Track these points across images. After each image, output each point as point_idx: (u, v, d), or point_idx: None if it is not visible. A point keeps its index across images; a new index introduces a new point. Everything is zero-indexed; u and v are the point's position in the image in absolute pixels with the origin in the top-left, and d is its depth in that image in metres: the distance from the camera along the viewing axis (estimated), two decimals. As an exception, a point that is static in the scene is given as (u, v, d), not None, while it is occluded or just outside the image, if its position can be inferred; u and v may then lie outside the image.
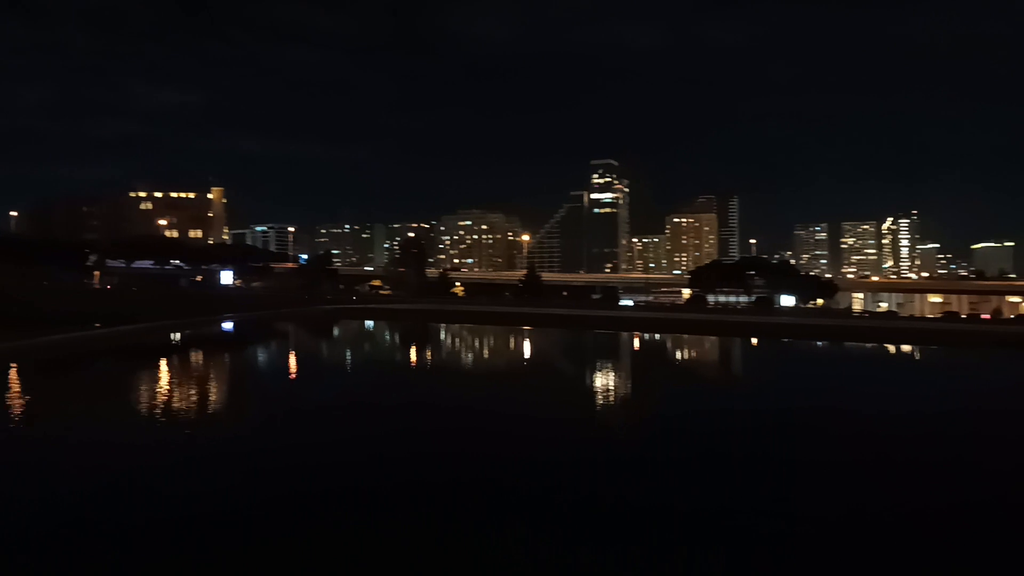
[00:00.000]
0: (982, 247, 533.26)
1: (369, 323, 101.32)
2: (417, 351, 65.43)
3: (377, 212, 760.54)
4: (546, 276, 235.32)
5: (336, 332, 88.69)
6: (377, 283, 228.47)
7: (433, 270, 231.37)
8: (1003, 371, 55.58)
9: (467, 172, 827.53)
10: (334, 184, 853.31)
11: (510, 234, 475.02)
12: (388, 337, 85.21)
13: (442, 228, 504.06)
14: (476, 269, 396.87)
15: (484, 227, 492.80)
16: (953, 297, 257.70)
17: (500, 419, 28.13)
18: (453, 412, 29.53)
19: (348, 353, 65.69)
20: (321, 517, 15.34)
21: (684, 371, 53.39)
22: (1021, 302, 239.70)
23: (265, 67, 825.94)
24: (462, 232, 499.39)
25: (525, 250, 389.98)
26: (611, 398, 35.72)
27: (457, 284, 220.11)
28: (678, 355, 69.74)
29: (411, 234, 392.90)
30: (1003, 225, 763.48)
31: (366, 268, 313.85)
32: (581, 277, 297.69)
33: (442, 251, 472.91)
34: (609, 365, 54.23)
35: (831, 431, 26.02)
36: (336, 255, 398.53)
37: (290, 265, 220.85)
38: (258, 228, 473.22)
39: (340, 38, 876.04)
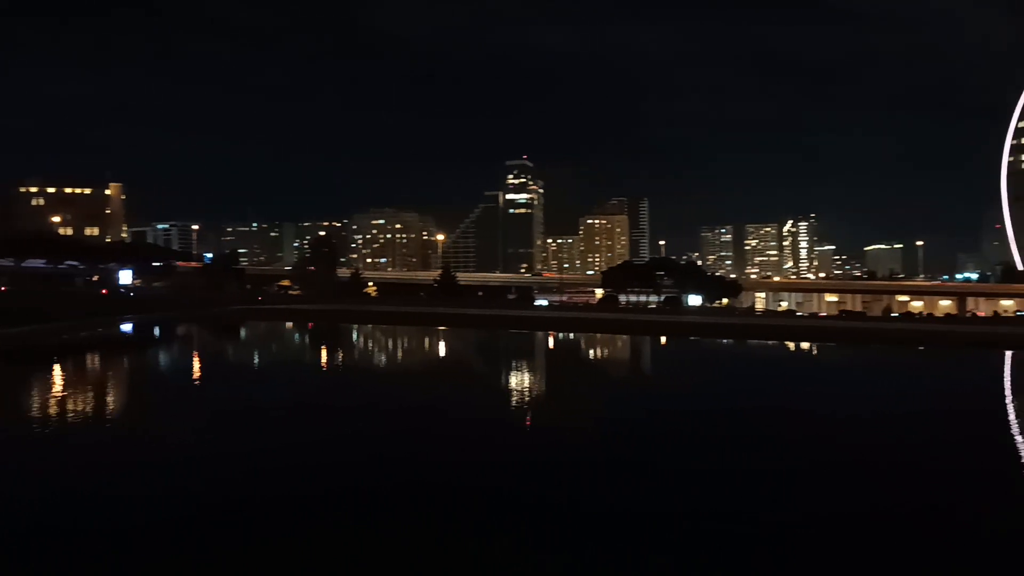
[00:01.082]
0: (874, 249, 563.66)
1: (275, 325, 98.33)
2: (323, 353, 63.70)
3: (287, 211, 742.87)
4: (462, 276, 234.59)
5: (237, 334, 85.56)
6: (286, 283, 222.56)
7: (345, 270, 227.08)
8: (896, 367, 58.50)
9: (382, 174, 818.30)
10: (241, 182, 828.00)
11: (425, 234, 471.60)
12: (293, 339, 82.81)
13: (354, 227, 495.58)
14: (390, 269, 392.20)
15: (398, 226, 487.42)
16: (848, 296, 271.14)
17: (410, 420, 27.51)
18: (356, 414, 28.72)
19: (248, 356, 63.22)
20: (191, 532, 14.44)
21: (596, 370, 53.89)
22: (909, 300, 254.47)
23: (170, 58, 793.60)
24: (375, 231, 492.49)
25: (440, 250, 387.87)
26: (522, 398, 35.56)
27: (370, 284, 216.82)
28: (590, 354, 70.45)
29: (322, 233, 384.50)
30: (893, 228, 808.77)
31: (276, 268, 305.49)
32: (496, 277, 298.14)
33: (354, 251, 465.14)
34: (523, 364, 54.20)
35: (728, 430, 26.54)
36: (243, 254, 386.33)
37: (194, 264, 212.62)
38: (160, 226, 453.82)
39: (245, 29, 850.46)
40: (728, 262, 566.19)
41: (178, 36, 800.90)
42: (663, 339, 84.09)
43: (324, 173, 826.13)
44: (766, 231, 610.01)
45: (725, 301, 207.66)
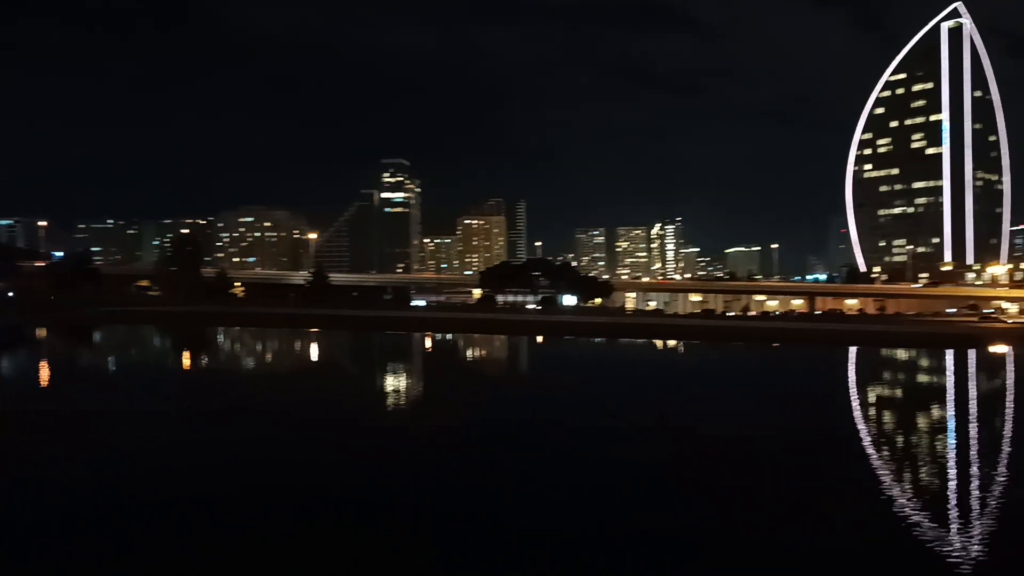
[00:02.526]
0: (734, 251, 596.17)
1: (130, 328, 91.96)
2: (178, 356, 59.86)
3: (147, 208, 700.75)
4: (335, 276, 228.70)
5: (86, 337, 79.34)
6: (146, 284, 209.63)
7: (210, 270, 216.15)
8: (753, 362, 61.55)
9: (251, 172, 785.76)
10: (95, 178, 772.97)
11: (296, 233, 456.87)
12: (147, 342, 77.61)
13: (220, 226, 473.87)
14: (259, 269, 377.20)
15: (267, 225, 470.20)
16: (710, 296, 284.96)
17: (262, 425, 25.95)
18: (206, 420, 26.86)
19: (95, 361, 58.32)
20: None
21: (468, 371, 53.46)
22: (765, 300, 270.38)
23: (14, 40, 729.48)
24: (243, 230, 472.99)
25: (312, 249, 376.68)
26: (386, 400, 34.54)
27: (237, 284, 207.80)
28: (465, 355, 70.00)
29: (185, 231, 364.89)
30: (752, 231, 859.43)
31: (135, 268, 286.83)
32: (372, 277, 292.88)
33: (221, 250, 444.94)
34: (393, 366, 52.96)
35: (598, 428, 26.70)
36: (97, 253, 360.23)
37: (41, 263, 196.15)
38: (2, 222, 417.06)
39: (98, 13, 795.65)
40: (601, 263, 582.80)
41: (26, 20, 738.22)
42: (539, 338, 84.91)
43: (188, 170, 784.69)
44: (636, 234, 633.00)
45: (598, 301, 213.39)
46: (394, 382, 41.66)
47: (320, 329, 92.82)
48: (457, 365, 56.91)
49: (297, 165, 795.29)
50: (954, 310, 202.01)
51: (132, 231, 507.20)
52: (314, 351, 68.37)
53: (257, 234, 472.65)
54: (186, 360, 57.41)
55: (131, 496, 16.91)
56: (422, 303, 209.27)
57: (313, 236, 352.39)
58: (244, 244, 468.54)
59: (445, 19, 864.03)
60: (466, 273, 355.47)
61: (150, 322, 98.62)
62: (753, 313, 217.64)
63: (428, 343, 78.27)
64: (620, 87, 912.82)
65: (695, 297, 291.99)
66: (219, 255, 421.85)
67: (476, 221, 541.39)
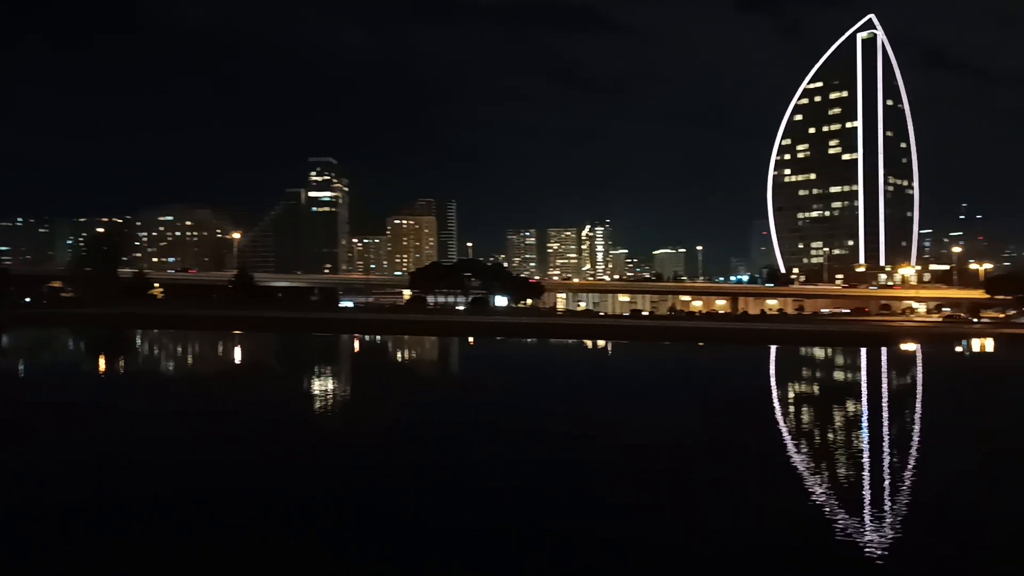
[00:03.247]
0: (661, 253, 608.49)
1: (42, 330, 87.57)
2: (92, 361, 57.27)
3: (60, 206, 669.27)
4: (260, 277, 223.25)
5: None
6: (59, 285, 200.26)
7: (128, 270, 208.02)
8: (677, 361, 62.78)
9: (172, 170, 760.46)
10: (2, 174, 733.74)
11: (219, 232, 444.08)
12: (56, 345, 74.03)
13: (139, 224, 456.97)
14: (178, 269, 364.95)
15: (189, 223, 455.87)
16: (638, 296, 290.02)
17: (165, 426, 24.97)
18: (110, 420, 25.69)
19: None
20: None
21: (401, 373, 52.80)
22: (690, 300, 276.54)
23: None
24: (163, 229, 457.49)
25: (236, 249, 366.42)
26: (315, 402, 33.76)
27: (156, 285, 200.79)
28: (396, 357, 69.18)
29: (100, 230, 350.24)
30: (678, 233, 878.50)
31: (47, 268, 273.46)
32: (298, 278, 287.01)
33: (139, 249, 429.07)
34: (321, 368, 51.84)
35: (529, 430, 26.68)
36: (6, 253, 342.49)
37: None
38: None
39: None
40: (532, 264, 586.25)
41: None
42: (470, 340, 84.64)
43: (105, 167, 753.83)
44: (567, 235, 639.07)
45: (529, 302, 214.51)
46: (316, 384, 40.73)
47: (243, 331, 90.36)
48: (384, 367, 56.15)
49: (223, 163, 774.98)
50: (828, 311, 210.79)
51: (44, 229, 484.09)
52: (236, 353, 66.40)
53: (178, 233, 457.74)
54: (99, 363, 54.91)
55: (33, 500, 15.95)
56: (350, 304, 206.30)
57: (237, 236, 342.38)
58: (164, 244, 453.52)
59: (378, 18, 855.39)
60: (396, 274, 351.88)
61: (62, 324, 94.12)
62: (681, 311, 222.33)
63: (356, 345, 77.04)
64: (551, 89, 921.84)
65: (624, 298, 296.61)
66: (137, 255, 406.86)
67: (406, 221, 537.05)
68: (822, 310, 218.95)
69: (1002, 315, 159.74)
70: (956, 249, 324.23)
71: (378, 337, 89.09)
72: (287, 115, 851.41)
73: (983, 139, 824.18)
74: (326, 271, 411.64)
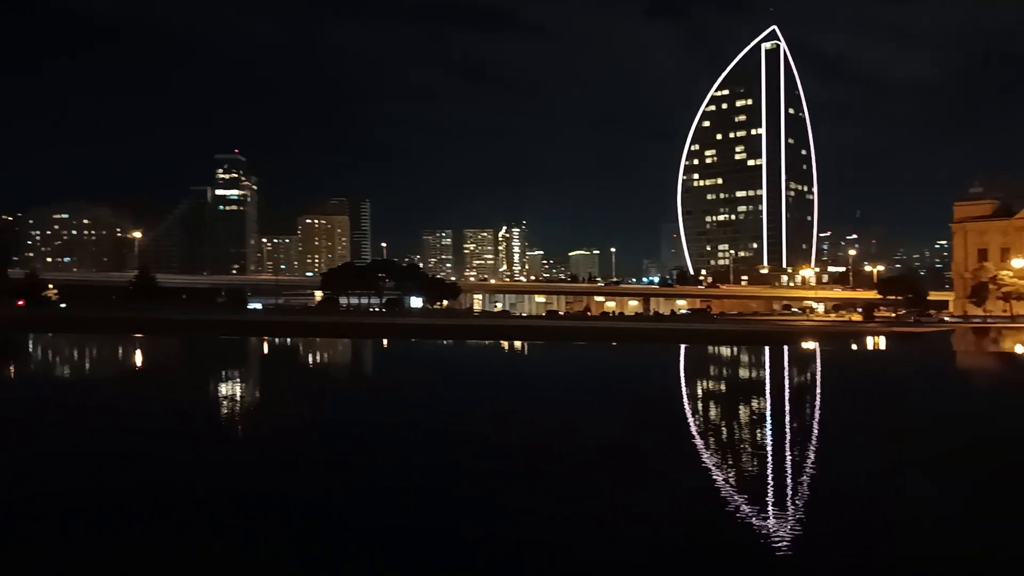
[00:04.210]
0: (576, 254, 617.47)
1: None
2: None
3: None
4: (163, 278, 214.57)
5: None
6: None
7: (18, 270, 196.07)
8: (592, 360, 63.53)
9: (71, 168, 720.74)
10: None
11: (119, 231, 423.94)
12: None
13: (31, 222, 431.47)
14: (76, 270, 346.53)
15: (87, 222, 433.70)
16: (554, 297, 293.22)
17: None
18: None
19: None
20: None
21: (308, 375, 51.32)
22: (604, 301, 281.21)
23: None
24: (58, 227, 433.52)
25: (137, 248, 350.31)
26: (216, 406, 32.37)
27: (50, 287, 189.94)
28: (305, 359, 67.37)
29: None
30: (592, 235, 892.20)
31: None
32: (204, 279, 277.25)
33: (31, 249, 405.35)
34: (224, 371, 49.82)
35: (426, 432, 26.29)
36: None
37: None
38: None
39: None
40: (448, 265, 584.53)
41: None
42: (384, 342, 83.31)
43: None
44: (483, 236, 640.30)
45: (446, 303, 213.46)
46: (219, 388, 39.07)
47: (144, 334, 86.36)
48: (287, 370, 54.45)
49: (124, 159, 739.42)
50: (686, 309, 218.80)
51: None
52: (134, 356, 63.22)
53: (74, 232, 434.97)
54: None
55: None
56: (259, 306, 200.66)
57: (138, 235, 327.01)
58: (59, 243, 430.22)
59: (290, 14, 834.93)
60: (307, 275, 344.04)
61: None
62: (594, 312, 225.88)
63: (263, 348, 74.68)
64: (463, 88, 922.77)
65: (540, 299, 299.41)
66: (30, 255, 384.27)
67: (318, 220, 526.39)
68: (682, 311, 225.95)
69: (893, 314, 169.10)
70: (852, 252, 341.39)
71: (288, 340, 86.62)
72: (194, 111, 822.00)
73: (877, 147, 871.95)
74: (234, 272, 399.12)
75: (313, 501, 16.21)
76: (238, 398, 35.80)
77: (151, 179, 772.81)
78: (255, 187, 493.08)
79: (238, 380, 44.12)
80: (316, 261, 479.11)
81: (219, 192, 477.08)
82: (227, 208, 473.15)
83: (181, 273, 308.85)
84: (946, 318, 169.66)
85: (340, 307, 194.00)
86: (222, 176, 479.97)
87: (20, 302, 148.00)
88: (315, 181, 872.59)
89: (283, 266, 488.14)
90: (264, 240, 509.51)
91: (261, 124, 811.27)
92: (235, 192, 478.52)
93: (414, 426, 25.94)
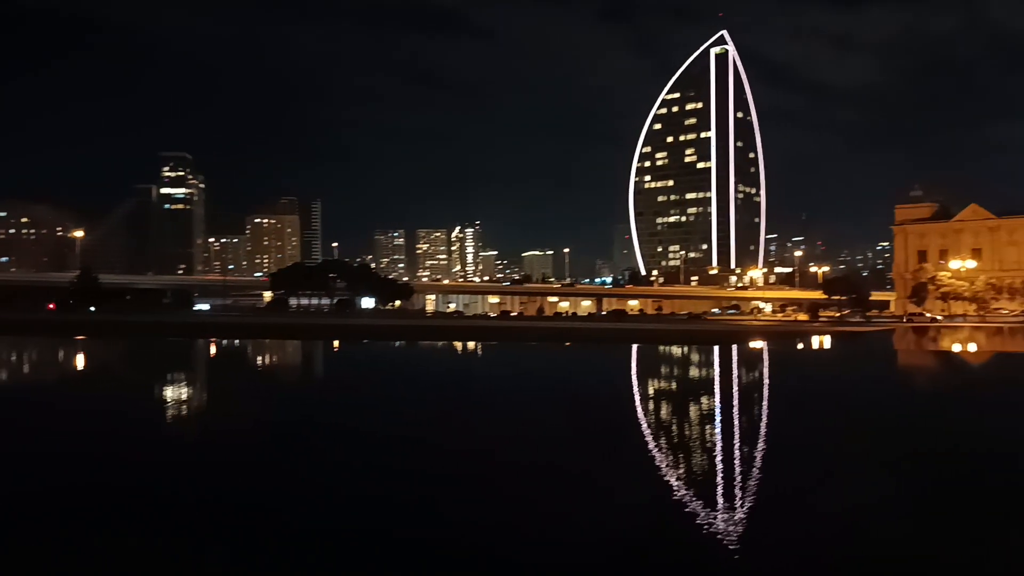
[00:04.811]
0: (530, 255, 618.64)
1: None
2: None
3: None
4: (107, 278, 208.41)
5: None
6: None
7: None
8: (546, 360, 63.67)
9: (9, 165, 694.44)
10: None
11: (60, 230, 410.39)
12: None
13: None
14: (14, 270, 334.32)
15: (25, 220, 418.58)
16: (508, 297, 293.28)
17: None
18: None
19: None
20: None
21: (252, 378, 50.36)
22: (557, 301, 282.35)
23: None
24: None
25: (79, 248, 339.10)
26: (158, 409, 31.58)
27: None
28: (252, 361, 66.15)
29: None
30: (546, 236, 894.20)
31: None
32: (150, 279, 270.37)
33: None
34: (166, 374, 48.60)
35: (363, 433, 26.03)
36: None
37: None
38: None
39: None
40: (401, 265, 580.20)
41: None
42: (335, 343, 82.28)
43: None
44: (436, 236, 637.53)
45: (398, 303, 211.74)
46: (157, 391, 38.08)
47: (87, 336, 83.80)
48: (233, 372, 53.40)
49: (67, 158, 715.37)
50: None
51: None
52: (76, 360, 61.25)
53: (12, 231, 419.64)
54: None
55: None
56: (207, 307, 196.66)
57: (79, 234, 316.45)
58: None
59: (238, 14, 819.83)
60: (256, 275, 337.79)
61: None
62: (547, 313, 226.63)
63: (210, 349, 73.12)
64: (413, 90, 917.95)
65: (493, 299, 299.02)
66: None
67: (267, 220, 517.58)
68: (714, 310, 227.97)
69: (837, 314, 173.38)
70: (798, 253, 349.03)
71: (236, 341, 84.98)
72: (140, 110, 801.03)
73: (822, 151, 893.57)
74: (180, 272, 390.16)
75: (240, 502, 15.91)
76: (178, 401, 34.93)
77: (96, 179, 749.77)
78: (202, 186, 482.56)
79: (180, 384, 43.04)
80: (265, 261, 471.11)
81: (165, 191, 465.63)
82: (173, 207, 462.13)
83: (126, 274, 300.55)
84: (910, 317, 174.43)
85: (290, 308, 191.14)
86: (168, 174, 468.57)
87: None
88: (265, 181, 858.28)
89: (231, 266, 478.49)
90: (211, 240, 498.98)
91: (210, 124, 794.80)
92: (181, 191, 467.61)
93: (351, 430, 25.65)
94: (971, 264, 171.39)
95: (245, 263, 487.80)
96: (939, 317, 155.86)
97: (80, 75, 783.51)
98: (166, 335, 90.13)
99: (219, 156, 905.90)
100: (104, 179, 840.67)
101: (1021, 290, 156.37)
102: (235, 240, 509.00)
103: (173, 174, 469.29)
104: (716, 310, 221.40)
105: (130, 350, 73.86)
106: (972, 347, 78.84)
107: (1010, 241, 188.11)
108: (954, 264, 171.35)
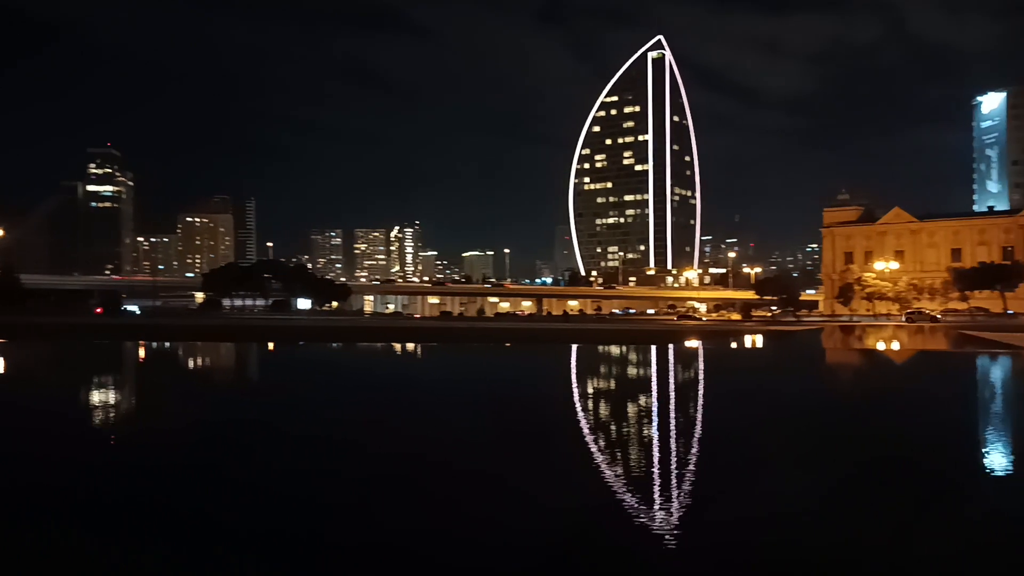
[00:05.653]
0: (470, 255, 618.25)
1: None
2: None
3: None
4: (29, 278, 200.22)
5: None
6: None
7: None
8: (485, 362, 63.62)
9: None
10: None
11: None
12: None
13: None
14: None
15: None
16: (448, 298, 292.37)
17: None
18: None
19: None
20: None
21: (183, 381, 48.93)
22: (498, 302, 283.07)
23: None
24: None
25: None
26: (87, 413, 30.38)
27: None
28: (182, 364, 64.22)
29: None
30: (486, 236, 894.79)
31: None
32: (75, 280, 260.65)
33: None
34: (92, 378, 46.83)
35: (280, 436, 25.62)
36: None
37: None
38: None
39: None
40: (339, 265, 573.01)
41: None
42: (270, 345, 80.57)
43: None
44: (375, 236, 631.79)
45: (335, 304, 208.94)
46: (79, 393, 36.65)
47: (5, 339, 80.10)
48: (157, 375, 51.80)
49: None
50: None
51: None
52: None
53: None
54: None
55: None
56: (135, 309, 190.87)
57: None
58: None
59: (179, 12, 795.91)
60: (188, 275, 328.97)
61: None
62: (488, 314, 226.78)
63: (140, 352, 70.76)
64: (349, 89, 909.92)
65: (433, 299, 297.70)
66: None
67: (200, 219, 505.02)
68: (614, 310, 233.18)
69: (768, 313, 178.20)
70: (731, 255, 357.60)
71: (167, 343, 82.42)
72: (68, 106, 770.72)
73: (753, 155, 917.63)
74: (108, 272, 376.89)
75: (168, 504, 15.42)
76: (102, 404, 33.69)
77: (23, 178, 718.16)
78: (131, 183, 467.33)
79: (103, 387, 41.50)
80: (198, 261, 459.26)
81: (91, 188, 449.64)
82: (100, 205, 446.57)
83: (49, 274, 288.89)
84: (849, 317, 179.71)
85: (223, 309, 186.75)
86: (95, 171, 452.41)
87: None
88: (198, 180, 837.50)
89: (162, 266, 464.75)
90: (141, 239, 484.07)
91: (143, 122, 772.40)
92: (109, 188, 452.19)
93: (281, 432, 25.16)
94: (894, 265, 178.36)
95: (176, 263, 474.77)
96: (859, 315, 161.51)
97: (10, 73, 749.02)
98: (93, 337, 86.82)
99: (152, 154, 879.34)
100: (32, 178, 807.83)
101: (941, 290, 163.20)
102: (166, 239, 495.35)
103: (100, 171, 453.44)
104: (617, 311, 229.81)
105: (51, 353, 70.90)
106: (891, 345, 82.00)
107: (930, 243, 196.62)
108: (879, 265, 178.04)
